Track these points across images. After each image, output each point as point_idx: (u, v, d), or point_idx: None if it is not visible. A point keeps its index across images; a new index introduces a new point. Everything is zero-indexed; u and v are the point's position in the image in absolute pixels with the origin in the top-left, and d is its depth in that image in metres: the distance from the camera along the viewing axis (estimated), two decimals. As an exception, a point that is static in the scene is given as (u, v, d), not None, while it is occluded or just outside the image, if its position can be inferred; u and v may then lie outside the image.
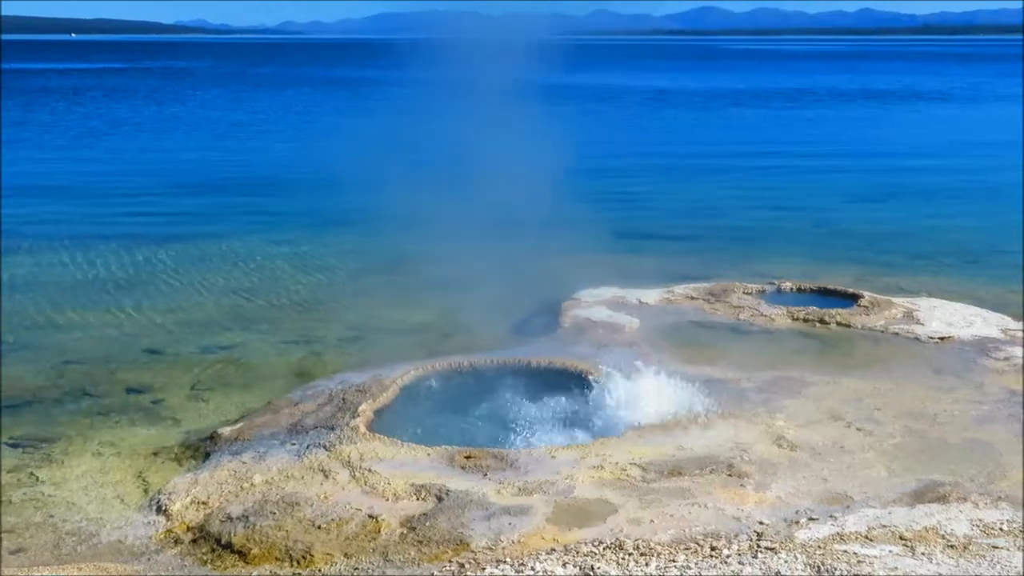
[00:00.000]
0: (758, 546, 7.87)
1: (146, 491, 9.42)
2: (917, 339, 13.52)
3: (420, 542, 8.09)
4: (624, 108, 61.23)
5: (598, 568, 7.53)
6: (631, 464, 9.42)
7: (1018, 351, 12.82)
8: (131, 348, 14.05)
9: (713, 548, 7.84)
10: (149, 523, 8.75)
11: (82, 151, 38.45)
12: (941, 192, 28.97)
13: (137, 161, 35.40)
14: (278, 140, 42.78)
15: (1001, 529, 8.15)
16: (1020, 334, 13.58)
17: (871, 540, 7.95)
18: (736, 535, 8.08)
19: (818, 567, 7.48)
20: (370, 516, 8.52)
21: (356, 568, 7.82)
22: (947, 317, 14.38)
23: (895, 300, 15.20)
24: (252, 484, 9.23)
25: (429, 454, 9.71)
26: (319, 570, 7.84)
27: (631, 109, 60.45)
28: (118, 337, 14.59)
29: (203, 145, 40.79)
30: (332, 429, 10.35)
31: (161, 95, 71.70)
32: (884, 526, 8.20)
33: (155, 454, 10.33)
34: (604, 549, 7.85)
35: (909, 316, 14.43)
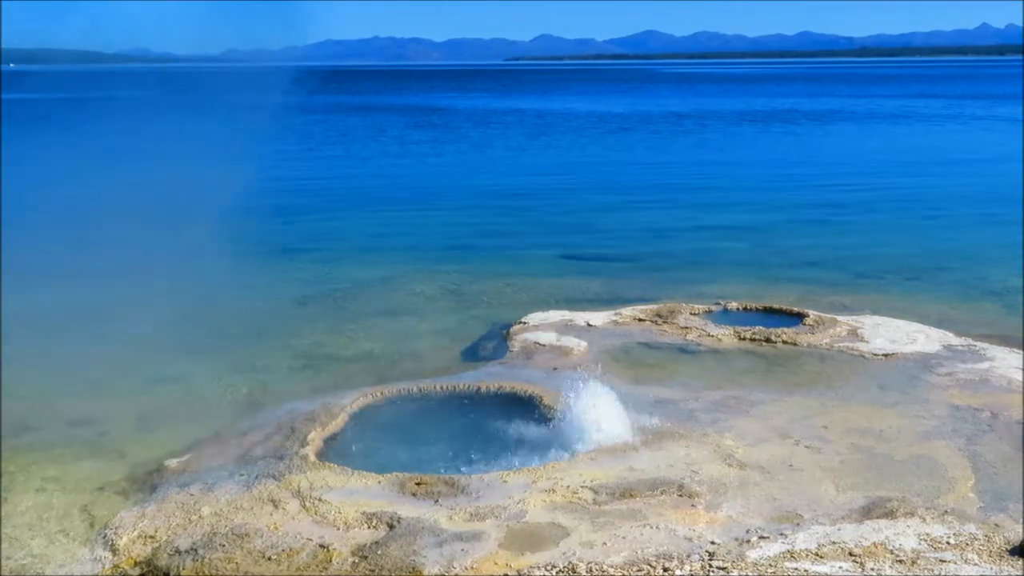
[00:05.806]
0: (710, 566, 7.90)
1: (92, 526, 9.22)
2: (862, 356, 13.68)
3: (372, 571, 8.03)
4: (506, 129, 62.54)
5: (551, 592, 7.52)
6: (582, 487, 9.42)
7: (960, 366, 13.02)
8: (72, 380, 13.74)
9: (665, 569, 7.86)
10: (96, 559, 8.58)
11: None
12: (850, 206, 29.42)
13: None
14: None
15: (948, 543, 8.25)
16: (962, 349, 13.79)
17: (821, 557, 8.02)
18: (688, 555, 8.10)
19: (770, 585, 7.52)
20: (321, 546, 8.44)
21: (307, 599, 7.73)
22: (890, 334, 14.57)
23: (839, 318, 15.37)
24: (200, 516, 9.10)
25: (380, 481, 9.64)
26: (270, 602, 7.75)
27: (509, 131, 61.43)
28: (57, 370, 14.29)
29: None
30: (281, 458, 10.25)
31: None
32: (834, 543, 8.27)
33: (100, 488, 10.12)
34: (557, 573, 7.84)
35: (853, 334, 14.60)
